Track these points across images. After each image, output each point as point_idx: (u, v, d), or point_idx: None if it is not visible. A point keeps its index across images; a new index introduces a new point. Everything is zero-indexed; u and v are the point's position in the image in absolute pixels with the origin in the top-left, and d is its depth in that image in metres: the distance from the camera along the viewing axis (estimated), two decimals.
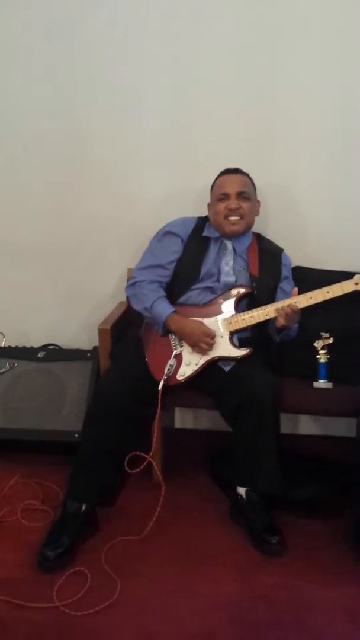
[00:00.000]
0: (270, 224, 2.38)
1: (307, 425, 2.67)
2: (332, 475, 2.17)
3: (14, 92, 2.47)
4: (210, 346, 1.99)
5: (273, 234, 2.33)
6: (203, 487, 2.24)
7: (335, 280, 1.97)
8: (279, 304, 1.97)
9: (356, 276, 1.93)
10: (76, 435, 2.24)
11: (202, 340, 1.98)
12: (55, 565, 1.77)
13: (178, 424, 2.74)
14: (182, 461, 2.40)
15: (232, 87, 2.33)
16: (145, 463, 1.92)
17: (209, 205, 2.18)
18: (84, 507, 1.91)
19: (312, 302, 1.95)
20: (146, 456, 1.92)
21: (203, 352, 2.00)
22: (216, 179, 2.16)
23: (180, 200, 2.41)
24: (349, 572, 1.79)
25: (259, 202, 2.21)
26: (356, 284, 1.92)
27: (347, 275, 2.04)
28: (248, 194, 2.10)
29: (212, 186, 2.17)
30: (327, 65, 2.28)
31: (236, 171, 2.13)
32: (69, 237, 2.59)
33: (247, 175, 2.14)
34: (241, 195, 2.08)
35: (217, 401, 2.05)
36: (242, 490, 1.99)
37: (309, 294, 1.95)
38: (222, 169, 2.17)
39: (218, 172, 2.17)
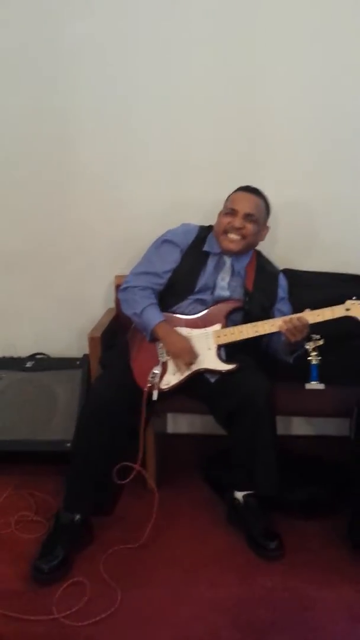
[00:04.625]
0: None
1: (300, 426, 2.68)
2: (327, 475, 2.19)
3: (1, 95, 2.42)
4: (188, 366, 1.99)
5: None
6: (198, 491, 2.23)
7: (327, 284, 1.98)
8: (281, 319, 1.96)
9: (347, 302, 1.92)
10: (68, 445, 2.21)
11: (184, 357, 1.98)
12: (51, 578, 1.75)
13: (171, 429, 2.73)
14: (176, 466, 2.39)
15: (223, 91, 2.34)
16: (134, 473, 1.91)
17: (219, 213, 2.12)
18: (77, 518, 1.89)
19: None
20: (134, 466, 1.91)
21: (179, 368, 1.99)
22: (233, 192, 2.12)
23: (171, 210, 2.39)
24: (347, 571, 1.80)
25: (268, 227, 2.16)
26: (347, 309, 1.92)
27: (338, 278, 2.05)
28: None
29: (227, 198, 2.12)
30: (311, 69, 2.30)
31: (254, 191, 2.09)
32: (57, 244, 2.56)
33: (264, 199, 2.10)
34: (248, 217, 2.04)
35: (210, 406, 2.05)
36: (239, 495, 1.97)
37: (298, 315, 1.95)
38: (216, 178, 2.15)
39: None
